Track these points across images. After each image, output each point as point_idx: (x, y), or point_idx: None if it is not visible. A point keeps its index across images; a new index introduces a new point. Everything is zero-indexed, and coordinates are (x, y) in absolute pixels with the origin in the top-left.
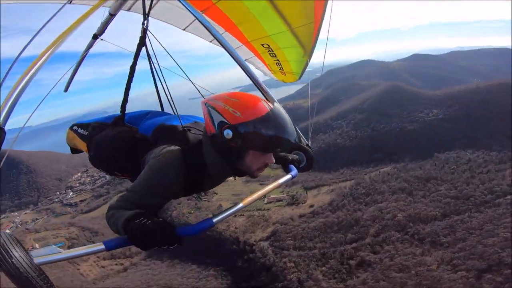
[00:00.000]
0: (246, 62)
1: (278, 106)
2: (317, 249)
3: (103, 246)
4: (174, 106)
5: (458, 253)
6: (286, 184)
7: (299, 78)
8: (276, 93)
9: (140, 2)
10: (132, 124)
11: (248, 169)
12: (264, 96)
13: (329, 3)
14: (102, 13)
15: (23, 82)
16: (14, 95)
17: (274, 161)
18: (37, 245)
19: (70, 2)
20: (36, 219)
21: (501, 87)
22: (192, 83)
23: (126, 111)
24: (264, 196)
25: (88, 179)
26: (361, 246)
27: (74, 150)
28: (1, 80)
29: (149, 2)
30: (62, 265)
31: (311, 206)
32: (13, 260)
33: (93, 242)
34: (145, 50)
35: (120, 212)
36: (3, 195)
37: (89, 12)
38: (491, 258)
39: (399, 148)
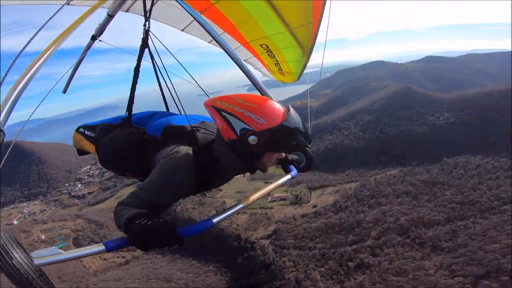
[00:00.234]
0: (245, 63)
1: (291, 108)
2: (317, 250)
3: (103, 247)
4: (182, 106)
5: (457, 258)
6: (291, 183)
7: (298, 79)
8: (284, 92)
9: (138, 3)
10: (139, 125)
11: (263, 167)
12: (262, 95)
13: (328, 3)
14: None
15: (21, 84)
16: (13, 96)
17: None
18: (43, 236)
19: (68, 3)
20: (44, 210)
21: None
22: (196, 82)
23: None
24: (268, 194)
25: (97, 172)
26: (361, 248)
27: (81, 152)
28: (1, 79)
29: (150, 3)
30: None
31: (314, 206)
32: (13, 262)
33: (98, 235)
34: (148, 51)
35: (126, 210)
36: (13, 186)
37: (87, 13)
38: (490, 264)
39: (407, 151)
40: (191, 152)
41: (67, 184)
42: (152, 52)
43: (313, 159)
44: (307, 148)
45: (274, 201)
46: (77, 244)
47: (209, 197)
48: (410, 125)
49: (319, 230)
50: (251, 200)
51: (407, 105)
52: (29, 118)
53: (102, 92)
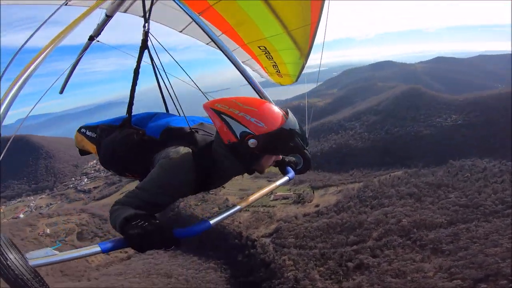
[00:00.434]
0: (243, 65)
1: (289, 112)
2: (318, 249)
3: (99, 249)
4: (181, 107)
5: (457, 261)
6: (294, 182)
7: (296, 80)
8: (290, 91)
9: (136, 4)
10: (139, 126)
11: (261, 168)
12: (261, 98)
13: (326, 4)
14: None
15: (19, 82)
16: (11, 94)
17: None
18: (48, 230)
19: (66, 3)
20: (51, 204)
21: None
22: (195, 83)
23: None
24: (271, 193)
25: None
26: (361, 249)
27: (83, 152)
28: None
29: (149, 4)
30: (62, 249)
31: (317, 206)
32: (8, 263)
33: (102, 229)
34: (148, 53)
35: (123, 210)
36: (21, 179)
37: (85, 13)
38: (490, 268)
39: (412, 152)
40: (190, 153)
41: (73, 178)
42: (152, 54)
43: (310, 161)
44: (305, 150)
45: (276, 199)
46: (81, 238)
47: (212, 194)
48: (417, 126)
49: (320, 229)
50: (249, 201)
51: (414, 106)
52: (27, 115)
53: (111, 87)
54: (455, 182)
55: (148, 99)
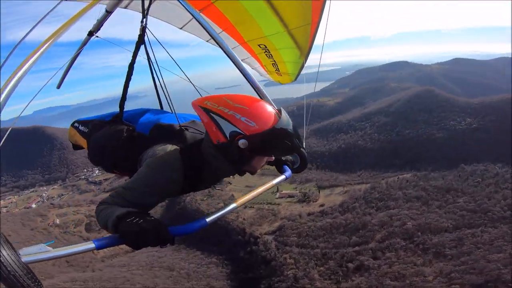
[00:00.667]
0: (243, 62)
1: (283, 111)
2: (319, 249)
3: (93, 245)
4: (172, 104)
5: (459, 266)
6: (300, 181)
7: (295, 79)
8: (300, 90)
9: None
10: (130, 122)
11: (253, 169)
12: (259, 96)
13: (327, 4)
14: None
15: (16, 76)
16: (8, 88)
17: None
18: (57, 221)
19: None
20: (62, 194)
21: None
22: (190, 81)
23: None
24: (277, 190)
25: None
26: (363, 250)
27: (76, 147)
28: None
29: (149, 0)
30: (70, 240)
31: (322, 205)
32: (1, 259)
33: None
34: (144, 48)
35: (112, 208)
36: (35, 169)
37: (85, 9)
38: (490, 274)
39: (423, 155)
40: (178, 151)
41: (85, 170)
42: (149, 49)
43: (307, 160)
44: (301, 149)
45: (282, 197)
46: (89, 230)
47: (218, 189)
48: (429, 129)
49: (323, 229)
50: (244, 200)
51: (427, 108)
52: (21, 112)
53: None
54: (465, 187)
55: (154, 95)
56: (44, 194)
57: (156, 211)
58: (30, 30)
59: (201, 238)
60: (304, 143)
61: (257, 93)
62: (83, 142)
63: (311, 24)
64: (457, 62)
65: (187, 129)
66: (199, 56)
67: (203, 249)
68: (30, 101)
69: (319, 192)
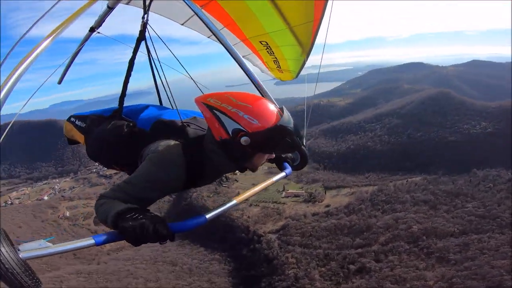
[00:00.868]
0: (244, 59)
1: (285, 109)
2: (322, 249)
3: (93, 241)
4: (174, 100)
5: (461, 271)
6: (307, 180)
7: (296, 77)
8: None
9: None
10: (130, 118)
11: (253, 166)
12: (260, 93)
13: (329, 2)
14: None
15: (14, 76)
16: (8, 84)
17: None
18: (67, 213)
19: None
20: (73, 187)
21: None
22: (192, 78)
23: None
24: (283, 189)
25: None
26: (365, 253)
27: (71, 141)
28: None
29: None
30: (78, 233)
31: (327, 206)
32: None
33: None
34: (145, 44)
35: (112, 203)
36: (48, 162)
37: (87, 5)
38: (492, 280)
39: (434, 159)
40: (180, 147)
41: (97, 163)
42: (150, 46)
43: (307, 158)
44: (302, 147)
45: (288, 197)
46: (97, 223)
47: (225, 186)
48: (442, 132)
49: (327, 230)
50: (244, 196)
51: (441, 111)
52: (21, 108)
53: (141, 76)
54: (475, 192)
55: (161, 92)
56: (56, 187)
57: (163, 207)
58: (28, 30)
59: (206, 234)
60: (304, 141)
61: (258, 90)
62: (80, 137)
63: (313, 22)
64: (474, 64)
65: (188, 125)
66: (211, 54)
67: (206, 245)
68: (29, 98)
69: (325, 192)
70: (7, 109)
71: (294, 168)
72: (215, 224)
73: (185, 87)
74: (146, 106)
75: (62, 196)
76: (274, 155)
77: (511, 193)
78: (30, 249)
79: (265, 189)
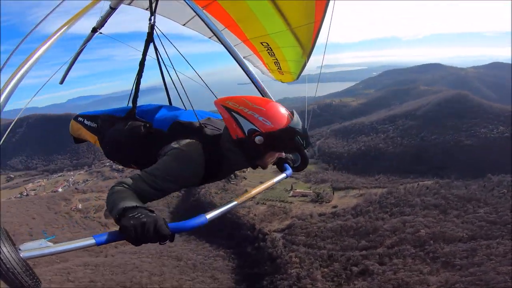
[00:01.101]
0: (244, 60)
1: (294, 112)
2: (326, 250)
3: (93, 241)
4: (188, 101)
5: (466, 277)
6: (315, 180)
7: (297, 78)
8: (324, 89)
9: None
10: (143, 118)
11: (264, 164)
12: (261, 94)
13: (331, 3)
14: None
15: (12, 83)
16: (13, 82)
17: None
18: (80, 206)
19: None
20: (87, 180)
21: None
22: (201, 78)
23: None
24: (291, 188)
25: None
26: (370, 255)
27: (78, 140)
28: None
29: None
30: (89, 225)
31: (334, 207)
32: (1, 256)
33: None
34: (153, 46)
35: (125, 196)
36: (64, 154)
37: (89, 5)
38: (496, 286)
39: (448, 162)
40: (200, 146)
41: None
42: (158, 46)
43: (307, 160)
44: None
45: (295, 196)
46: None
47: (233, 183)
48: (457, 135)
49: (333, 231)
50: (245, 197)
51: (458, 114)
52: (27, 104)
53: (153, 73)
54: (488, 198)
55: (171, 92)
56: (70, 179)
57: (172, 202)
58: (28, 34)
59: (212, 230)
60: (310, 143)
61: (258, 90)
62: (90, 137)
63: (314, 23)
64: (495, 66)
65: (205, 126)
66: (222, 51)
67: (212, 241)
68: (33, 96)
69: (333, 193)
70: (21, 104)
71: (295, 170)
72: (222, 221)
73: (194, 85)
74: (159, 107)
75: (76, 189)
76: (283, 154)
77: None
78: (31, 248)
79: (272, 187)
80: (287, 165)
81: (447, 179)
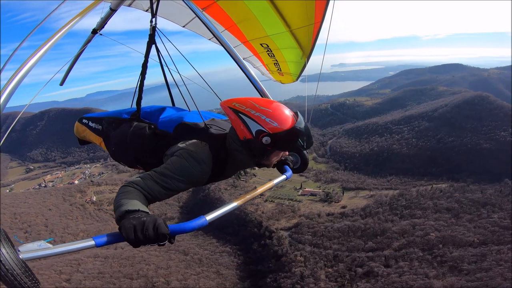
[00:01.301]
0: (244, 61)
1: (299, 113)
2: (332, 250)
3: (93, 242)
4: (194, 103)
5: (472, 282)
6: (325, 180)
7: (297, 79)
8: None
9: None
10: (148, 120)
11: (270, 163)
12: (260, 94)
13: (330, 4)
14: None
15: (13, 82)
16: (14, 82)
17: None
18: (94, 198)
19: None
20: (102, 173)
21: None
22: (205, 81)
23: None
24: (300, 187)
25: None
26: (376, 257)
27: (82, 141)
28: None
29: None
30: (102, 218)
31: (343, 207)
32: (0, 258)
33: None
34: (155, 48)
35: (132, 198)
36: (82, 147)
37: (90, 7)
38: None
39: (464, 166)
40: (208, 147)
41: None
42: (160, 48)
43: (307, 162)
44: (304, 151)
45: (304, 195)
46: None
47: (242, 180)
48: (475, 138)
49: (340, 231)
50: (245, 199)
51: (477, 116)
52: (31, 100)
53: (154, 72)
54: (504, 203)
55: (174, 92)
56: (86, 172)
57: (181, 197)
58: (29, 34)
59: (219, 226)
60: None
61: (257, 91)
62: (95, 138)
63: (313, 24)
64: None
65: (211, 127)
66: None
67: (219, 237)
68: (36, 95)
69: (343, 193)
70: (46, 97)
71: (295, 171)
72: (229, 217)
73: (194, 84)
74: (163, 108)
75: (91, 181)
76: (288, 153)
77: None
78: (30, 250)
79: (281, 185)
80: (287, 166)
81: (463, 183)
